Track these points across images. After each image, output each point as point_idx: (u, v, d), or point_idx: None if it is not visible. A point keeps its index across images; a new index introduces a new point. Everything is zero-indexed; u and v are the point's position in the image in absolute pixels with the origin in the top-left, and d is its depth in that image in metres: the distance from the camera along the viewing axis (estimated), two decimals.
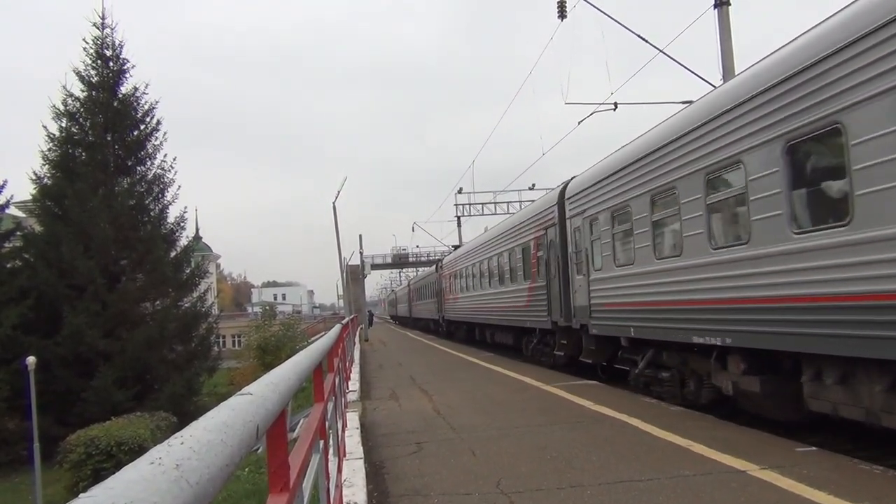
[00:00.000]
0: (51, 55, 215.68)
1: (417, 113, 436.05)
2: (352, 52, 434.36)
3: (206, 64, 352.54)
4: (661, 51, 16.48)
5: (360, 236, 46.90)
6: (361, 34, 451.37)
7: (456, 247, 38.79)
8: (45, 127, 30.02)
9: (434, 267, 41.28)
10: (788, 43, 7.87)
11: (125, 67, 31.72)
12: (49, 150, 30.03)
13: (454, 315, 33.84)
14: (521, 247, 19.78)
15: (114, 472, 0.94)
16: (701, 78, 15.66)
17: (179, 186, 32.84)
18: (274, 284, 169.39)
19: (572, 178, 15.69)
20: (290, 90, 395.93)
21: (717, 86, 11.78)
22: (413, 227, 70.73)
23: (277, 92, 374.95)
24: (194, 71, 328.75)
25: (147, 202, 31.92)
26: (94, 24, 31.16)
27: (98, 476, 16.40)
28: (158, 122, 32.36)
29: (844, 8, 6.97)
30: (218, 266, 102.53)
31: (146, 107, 32.02)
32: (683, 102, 15.32)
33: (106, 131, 30.84)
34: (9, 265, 28.52)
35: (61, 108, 30.31)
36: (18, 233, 29.49)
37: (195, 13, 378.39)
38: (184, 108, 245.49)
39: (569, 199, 15.31)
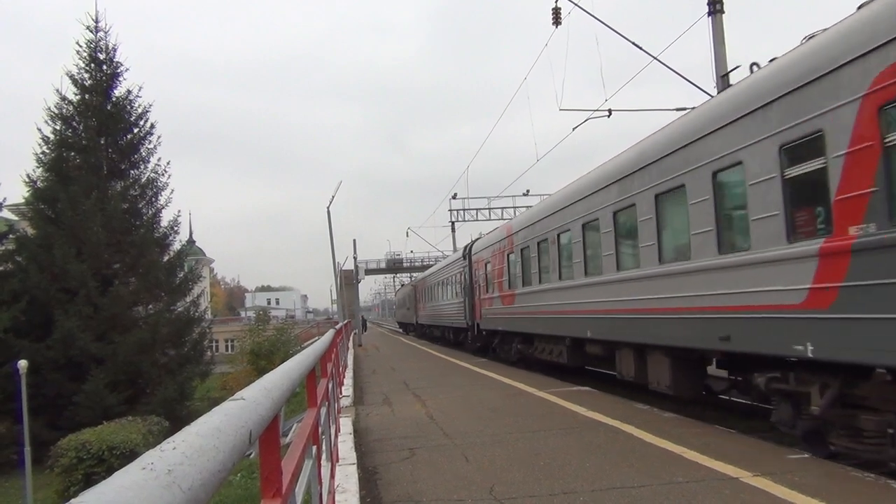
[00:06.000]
0: (48, 58, 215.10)
1: (409, 122, 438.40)
2: (341, 66, 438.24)
3: (196, 76, 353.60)
4: (654, 58, 16.54)
5: (354, 241, 46.08)
6: (349, 48, 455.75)
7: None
8: (39, 130, 30.01)
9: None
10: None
11: (118, 71, 31.70)
12: (43, 152, 29.98)
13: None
14: None
15: (105, 477, 0.94)
16: (694, 85, 15.71)
17: (173, 190, 32.72)
18: (267, 289, 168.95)
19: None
20: (281, 101, 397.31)
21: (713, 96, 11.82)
22: (407, 233, 70.27)
23: (268, 103, 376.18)
24: (185, 83, 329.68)
25: (140, 206, 31.79)
26: (88, 28, 31.14)
27: (89, 481, 16.29)
28: (152, 126, 32.34)
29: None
30: (211, 270, 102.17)
31: (139, 110, 31.98)
32: (677, 109, 15.37)
33: (99, 135, 30.72)
34: (1, 268, 28.36)
35: (55, 111, 30.27)
36: (11, 235, 29.36)
37: (186, 29, 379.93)
38: (177, 119, 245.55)
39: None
